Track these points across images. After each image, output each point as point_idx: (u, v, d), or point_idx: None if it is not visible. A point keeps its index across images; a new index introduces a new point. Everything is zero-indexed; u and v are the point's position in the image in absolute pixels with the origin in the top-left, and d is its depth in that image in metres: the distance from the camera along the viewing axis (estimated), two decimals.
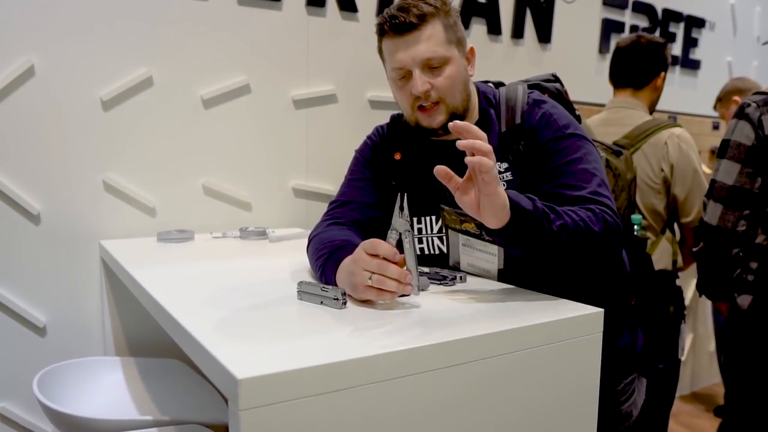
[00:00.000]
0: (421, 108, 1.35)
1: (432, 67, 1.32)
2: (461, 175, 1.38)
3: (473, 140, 1.01)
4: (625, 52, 2.25)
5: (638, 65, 2.22)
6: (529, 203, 1.10)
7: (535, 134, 1.34)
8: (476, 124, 1.40)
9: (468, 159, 1.00)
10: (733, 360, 1.93)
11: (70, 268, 1.89)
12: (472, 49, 1.42)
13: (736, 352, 1.91)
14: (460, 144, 1.01)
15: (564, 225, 1.13)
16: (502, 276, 1.32)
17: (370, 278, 1.07)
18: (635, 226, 1.80)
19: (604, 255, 1.23)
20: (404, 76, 1.34)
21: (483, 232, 1.20)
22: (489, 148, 1.02)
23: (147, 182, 1.98)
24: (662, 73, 2.24)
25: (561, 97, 1.49)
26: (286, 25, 2.17)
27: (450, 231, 1.34)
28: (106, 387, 1.70)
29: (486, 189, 1.03)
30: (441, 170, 1.05)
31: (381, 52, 1.42)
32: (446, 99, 1.34)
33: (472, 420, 0.97)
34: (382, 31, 1.36)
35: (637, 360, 1.58)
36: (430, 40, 1.31)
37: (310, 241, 1.39)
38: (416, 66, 1.31)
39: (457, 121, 1.04)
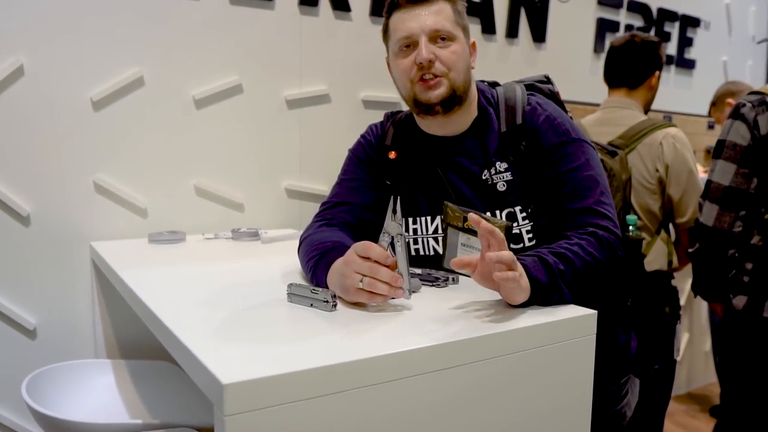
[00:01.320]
0: (422, 80, 1.33)
1: (440, 38, 1.32)
2: (451, 169, 1.38)
3: (499, 254, 1.01)
4: (620, 52, 2.24)
5: (632, 65, 2.21)
6: (545, 273, 1.11)
7: (538, 137, 1.34)
8: (475, 121, 1.40)
9: (498, 275, 1.01)
10: (728, 361, 1.92)
11: (61, 270, 1.87)
12: (474, 43, 1.42)
13: (731, 353, 1.90)
14: (489, 259, 1.01)
15: (577, 273, 1.15)
16: None
17: (361, 281, 1.06)
18: (630, 227, 1.79)
19: (608, 275, 1.24)
20: (410, 45, 1.34)
21: None
22: (513, 258, 1.04)
23: (138, 183, 1.97)
24: (657, 73, 2.23)
25: (554, 98, 1.48)
26: (278, 25, 2.16)
27: (450, 230, 1.33)
28: (96, 390, 1.69)
29: (510, 288, 1.06)
30: (458, 262, 1.07)
31: (386, 30, 1.40)
32: (449, 74, 1.33)
33: (465, 423, 0.96)
34: (393, 5, 1.36)
35: (631, 361, 1.57)
36: (439, 14, 1.33)
37: (301, 242, 1.37)
38: (424, 35, 1.32)
39: (476, 218, 1.04)
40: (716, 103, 3.16)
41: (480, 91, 1.43)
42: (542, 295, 1.11)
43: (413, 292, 1.14)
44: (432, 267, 1.37)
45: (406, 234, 1.42)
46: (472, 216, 1.04)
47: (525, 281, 1.07)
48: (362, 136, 1.54)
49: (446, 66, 1.32)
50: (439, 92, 1.33)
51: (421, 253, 1.42)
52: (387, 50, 1.42)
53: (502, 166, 1.35)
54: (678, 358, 2.26)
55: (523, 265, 1.09)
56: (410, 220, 1.43)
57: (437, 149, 1.41)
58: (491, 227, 1.03)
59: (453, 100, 1.34)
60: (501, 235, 1.04)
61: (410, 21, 1.32)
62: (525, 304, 1.11)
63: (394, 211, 1.10)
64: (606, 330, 1.17)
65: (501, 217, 1.34)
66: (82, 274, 1.90)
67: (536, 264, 1.11)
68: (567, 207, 1.28)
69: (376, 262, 1.06)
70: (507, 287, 1.05)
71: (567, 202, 1.28)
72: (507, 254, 1.02)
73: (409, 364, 0.89)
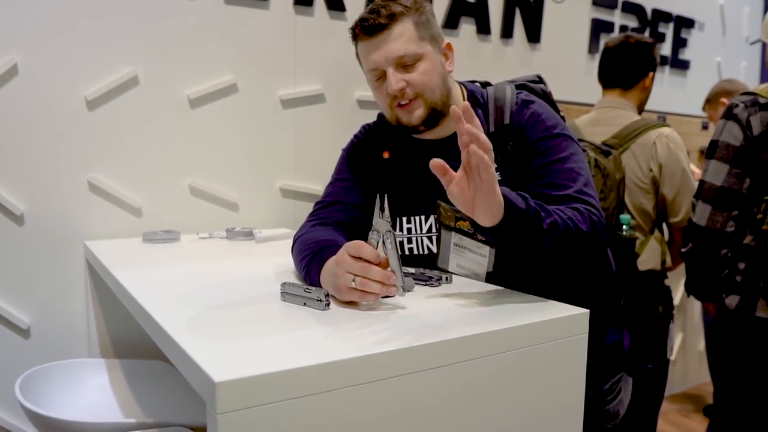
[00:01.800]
0: (399, 105, 1.35)
1: (405, 65, 1.33)
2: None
3: (477, 132, 0.97)
4: (614, 52, 2.25)
5: (627, 65, 2.22)
6: (522, 201, 1.09)
7: (523, 133, 1.34)
8: None
9: (473, 149, 0.96)
10: (721, 360, 1.93)
11: (55, 269, 1.87)
12: (449, 44, 1.41)
13: (724, 353, 1.91)
14: (462, 129, 0.97)
15: (554, 223, 1.13)
16: (490, 278, 1.31)
17: (353, 280, 1.06)
18: (624, 226, 1.80)
19: (589, 253, 1.23)
20: (380, 77, 1.35)
21: (476, 231, 1.20)
22: (490, 145, 0.99)
23: (132, 182, 1.97)
24: (651, 73, 2.24)
25: (546, 97, 1.49)
26: (273, 25, 2.16)
27: (443, 230, 1.33)
28: (90, 389, 1.68)
29: (482, 187, 1.00)
30: (437, 163, 1.01)
31: (358, 55, 1.42)
32: (423, 94, 1.34)
33: (457, 422, 0.96)
34: (355, 35, 1.38)
35: (623, 359, 1.58)
36: (400, 38, 1.32)
37: (294, 241, 1.38)
38: (389, 65, 1.32)
39: (455, 108, 1.00)
40: (711, 100, 3.17)
41: (470, 92, 1.44)
42: (515, 222, 1.07)
43: (407, 290, 1.14)
44: (426, 266, 1.37)
45: (398, 236, 1.42)
46: (453, 109, 1.00)
47: (499, 196, 1.03)
48: (355, 136, 1.54)
49: (419, 88, 1.33)
50: (418, 113, 1.35)
51: (416, 252, 1.43)
52: (364, 72, 1.43)
53: None
54: (671, 358, 2.27)
55: (501, 192, 1.06)
56: (404, 219, 1.43)
57: (425, 152, 1.41)
58: (469, 108, 1.00)
59: (434, 117, 1.37)
60: (480, 126, 1.00)
61: (373, 53, 1.33)
62: (496, 236, 1.08)
63: (382, 209, 1.10)
64: (598, 329, 1.17)
65: None
66: (76, 273, 1.89)
67: (512, 192, 1.09)
68: (548, 196, 1.26)
69: (368, 261, 1.06)
70: (483, 184, 0.99)
71: (549, 192, 1.27)
72: (485, 139, 0.98)
73: (402, 363, 0.89)
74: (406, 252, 1.43)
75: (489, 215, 1.04)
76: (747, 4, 3.97)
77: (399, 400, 0.89)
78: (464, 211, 1.06)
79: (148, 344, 1.88)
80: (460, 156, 1.35)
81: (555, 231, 1.13)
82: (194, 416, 1.52)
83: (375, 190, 1.44)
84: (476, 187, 1.01)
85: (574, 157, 1.32)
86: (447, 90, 1.38)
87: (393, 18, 1.31)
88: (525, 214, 1.08)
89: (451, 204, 1.24)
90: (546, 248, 1.13)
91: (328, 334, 0.96)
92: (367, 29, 1.33)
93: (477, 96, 1.43)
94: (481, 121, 1.38)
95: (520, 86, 1.47)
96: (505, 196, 1.05)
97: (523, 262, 1.19)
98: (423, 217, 1.42)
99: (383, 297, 1.09)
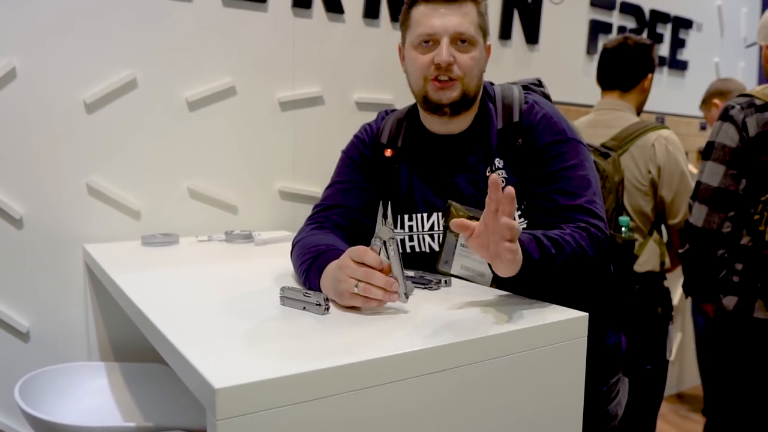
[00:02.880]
0: (436, 80, 1.33)
1: (461, 41, 1.32)
2: (455, 167, 1.38)
3: (513, 222, 0.99)
4: (613, 54, 2.25)
5: (625, 67, 2.22)
6: (538, 250, 1.11)
7: (534, 134, 1.34)
8: (476, 118, 1.40)
9: (506, 246, 0.98)
10: (719, 361, 1.93)
11: (54, 272, 1.87)
12: (489, 47, 1.42)
13: (722, 353, 1.91)
14: (505, 224, 0.98)
15: (566, 259, 1.16)
16: (495, 279, 1.31)
17: (356, 286, 1.06)
18: (623, 228, 1.80)
19: (590, 271, 1.25)
20: (430, 42, 1.33)
21: (493, 282, 1.22)
22: (519, 229, 1.01)
23: (131, 185, 1.97)
24: (649, 75, 2.24)
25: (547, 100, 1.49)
26: (271, 27, 2.16)
27: (449, 231, 1.33)
28: (90, 393, 1.68)
29: (507, 259, 1.01)
30: (458, 223, 1.02)
31: (406, 20, 1.39)
32: (464, 78, 1.33)
33: (457, 426, 0.96)
34: None
35: (621, 360, 1.58)
36: (465, 17, 1.32)
37: (293, 245, 1.37)
38: (447, 35, 1.31)
39: (497, 180, 1.00)
40: (705, 101, 3.17)
41: (483, 86, 1.44)
42: (531, 273, 1.10)
43: (408, 296, 1.14)
44: (427, 264, 1.37)
45: (399, 233, 1.42)
46: (493, 176, 1.00)
47: (520, 255, 1.06)
48: (355, 136, 1.53)
49: (463, 71, 1.32)
50: (451, 95, 1.33)
51: (417, 250, 1.42)
52: (402, 38, 1.41)
53: (499, 162, 1.36)
54: (670, 359, 2.27)
55: (520, 241, 1.07)
56: (406, 216, 1.43)
57: (441, 147, 1.42)
58: (512, 193, 0.99)
59: (463, 104, 1.35)
60: (514, 204, 1.00)
61: (435, 18, 1.31)
62: (510, 280, 1.10)
63: (385, 216, 1.10)
64: (596, 330, 1.17)
65: None
66: (75, 276, 1.89)
67: (531, 241, 1.11)
68: (559, 204, 1.28)
69: (371, 267, 1.06)
70: (506, 258, 1.02)
71: (560, 199, 1.29)
72: (516, 223, 1.00)
73: (403, 368, 0.89)
74: (407, 250, 1.43)
75: (508, 272, 1.06)
76: (745, 4, 3.97)
77: (400, 404, 0.89)
78: (485, 259, 1.07)
79: (148, 347, 1.87)
80: (472, 160, 1.37)
81: (566, 265, 1.16)
82: (194, 419, 1.52)
83: (375, 191, 1.45)
84: (500, 254, 1.01)
85: (585, 163, 1.33)
86: (480, 84, 1.39)
87: None
88: (541, 264, 1.11)
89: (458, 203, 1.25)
90: (557, 281, 1.16)
91: (328, 339, 0.96)
92: None
93: (489, 91, 1.44)
94: (492, 116, 1.39)
95: (524, 88, 1.48)
96: (524, 250, 1.07)
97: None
98: (425, 215, 1.41)
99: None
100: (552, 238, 1.16)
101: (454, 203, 1.26)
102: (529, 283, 1.14)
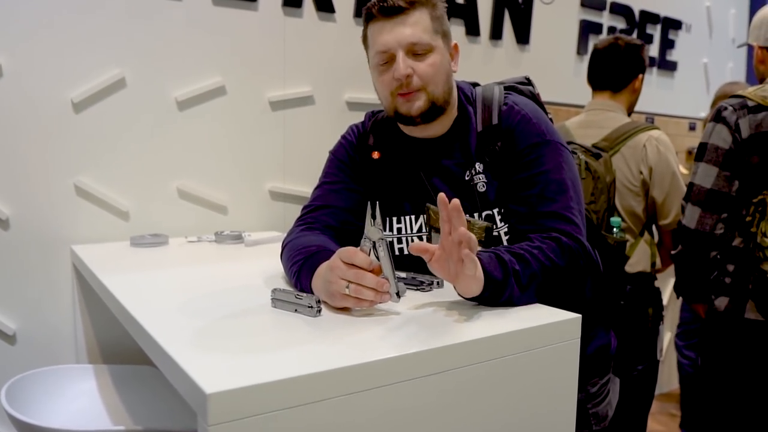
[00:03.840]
0: (401, 94, 1.32)
1: (416, 53, 1.30)
2: (433, 170, 1.38)
3: (470, 233, 1.01)
4: (603, 55, 2.25)
5: (616, 68, 2.22)
6: (500, 270, 1.11)
7: (513, 136, 1.33)
8: (455, 121, 1.39)
9: (466, 253, 1.00)
10: (710, 361, 1.93)
11: (41, 273, 1.85)
12: (456, 45, 1.40)
13: (713, 354, 1.91)
14: (462, 235, 1.00)
15: (533, 275, 1.15)
16: None
17: (347, 287, 1.05)
18: (614, 229, 1.80)
19: (569, 282, 1.24)
20: (387, 61, 1.32)
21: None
22: (476, 241, 1.03)
23: (120, 186, 1.95)
24: (640, 76, 2.24)
25: (535, 99, 1.48)
26: (262, 26, 2.14)
27: (433, 233, 1.33)
28: (78, 396, 1.66)
29: (465, 273, 1.04)
30: (415, 247, 1.05)
31: (365, 39, 1.38)
32: (428, 87, 1.31)
33: (450, 429, 0.96)
34: (369, 16, 1.34)
35: (612, 361, 1.58)
36: (416, 26, 1.30)
37: (283, 247, 1.36)
38: (400, 49, 1.29)
39: (445, 198, 1.02)
40: (714, 104, 3.16)
41: (460, 89, 1.43)
42: (494, 292, 1.10)
43: (400, 295, 1.13)
44: (416, 266, 1.36)
45: (388, 236, 1.41)
46: (441, 195, 1.02)
47: (480, 273, 1.07)
48: (343, 137, 1.53)
49: (424, 80, 1.31)
50: (418, 105, 1.32)
51: (405, 252, 1.42)
52: (367, 59, 1.41)
53: (480, 166, 1.35)
54: (661, 358, 2.28)
55: (479, 260, 1.08)
56: (394, 219, 1.42)
57: (419, 151, 1.41)
58: (459, 206, 1.01)
59: (433, 112, 1.34)
60: (464, 218, 1.03)
61: (386, 34, 1.30)
62: (476, 300, 1.12)
63: (374, 216, 1.09)
64: (586, 331, 1.17)
65: (481, 220, 1.34)
66: (63, 277, 1.87)
67: (491, 260, 1.11)
68: (534, 209, 1.27)
69: (361, 268, 1.05)
70: (466, 274, 1.03)
71: (535, 204, 1.27)
72: (473, 236, 1.01)
73: (396, 371, 0.88)
74: (396, 252, 1.42)
75: (470, 290, 1.09)
76: (733, 5, 3.99)
77: (393, 408, 0.88)
78: (447, 280, 1.09)
79: (137, 349, 1.85)
80: (450, 164, 1.36)
81: (534, 281, 1.15)
82: (184, 422, 1.51)
83: (364, 192, 1.44)
84: (459, 273, 1.05)
85: (563, 165, 1.31)
86: (449, 88, 1.37)
87: (412, 5, 1.30)
88: (504, 283, 1.11)
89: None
90: (526, 298, 1.15)
91: (320, 341, 0.95)
92: (384, 10, 1.30)
93: (467, 94, 1.43)
94: (471, 120, 1.39)
95: (509, 88, 1.46)
96: (484, 269, 1.08)
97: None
98: (413, 217, 1.41)
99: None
100: (516, 254, 1.16)
101: (432, 206, 1.25)
102: (496, 303, 1.14)
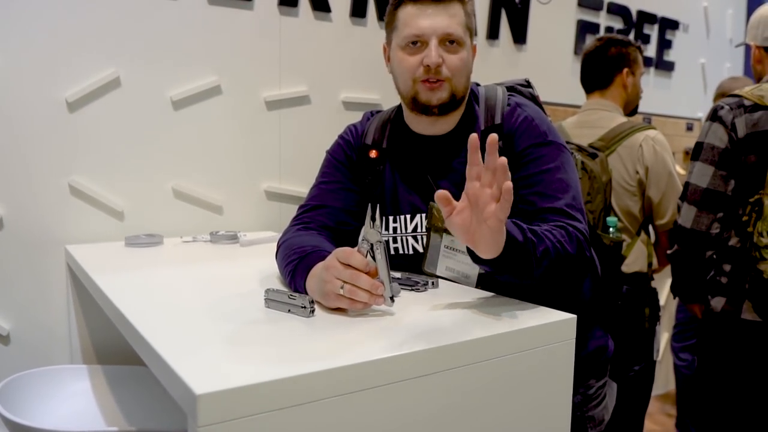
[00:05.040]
0: (425, 81, 1.32)
1: (449, 42, 1.31)
2: (439, 169, 1.37)
3: (504, 160, 0.95)
4: (588, 56, 2.31)
5: (598, 66, 2.26)
6: (519, 232, 1.08)
7: (515, 137, 1.33)
8: (462, 119, 1.39)
9: (507, 185, 0.94)
10: (707, 361, 1.93)
11: (35, 274, 1.84)
12: (475, 47, 1.41)
13: (710, 354, 1.91)
14: (479, 160, 0.96)
15: (546, 251, 1.12)
16: (481, 280, 1.30)
17: (342, 287, 1.05)
18: (611, 229, 1.79)
19: (573, 272, 1.23)
20: (418, 43, 1.31)
21: (473, 260, 1.20)
22: (511, 184, 0.96)
23: (115, 185, 1.94)
24: (625, 70, 2.24)
25: (534, 101, 1.48)
26: (257, 25, 2.14)
27: (432, 232, 1.32)
28: (72, 396, 1.66)
29: (494, 225, 0.98)
30: (442, 195, 0.99)
31: (392, 21, 1.36)
32: (453, 79, 1.32)
33: (444, 430, 0.95)
34: None
35: (609, 364, 1.57)
36: (453, 18, 1.31)
37: (279, 246, 1.36)
38: (436, 36, 1.29)
39: (479, 137, 0.99)
40: (716, 99, 3.15)
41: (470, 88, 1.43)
42: (513, 255, 1.05)
43: (394, 299, 1.13)
44: (411, 266, 1.36)
45: (386, 237, 1.41)
46: (492, 136, 0.97)
47: (503, 234, 1.01)
48: (340, 137, 1.52)
49: (452, 72, 1.31)
50: (440, 96, 1.32)
51: (400, 252, 1.42)
52: (388, 38, 1.39)
53: None
54: (658, 359, 2.27)
55: None
56: (390, 218, 1.42)
57: (426, 149, 1.40)
58: (495, 139, 0.96)
59: (451, 104, 1.34)
60: (505, 164, 0.97)
61: (423, 19, 1.30)
62: (491, 265, 1.06)
63: (373, 219, 1.08)
64: (583, 332, 1.16)
65: None
66: (57, 278, 1.86)
67: (512, 225, 1.08)
68: (537, 206, 1.27)
69: (357, 269, 1.05)
70: (498, 220, 0.97)
71: (538, 202, 1.27)
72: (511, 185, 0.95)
73: (390, 372, 0.88)
74: (391, 251, 1.42)
75: (492, 249, 1.02)
76: (730, 5, 3.99)
77: (386, 409, 0.88)
78: (463, 241, 1.03)
79: (131, 349, 1.84)
80: (455, 162, 1.35)
81: (546, 258, 1.13)
82: (178, 423, 1.50)
83: (360, 192, 1.43)
84: (487, 220, 0.98)
85: (565, 166, 1.31)
86: (468, 85, 1.38)
87: None
88: (523, 247, 1.07)
89: None
90: (536, 274, 1.12)
91: (313, 342, 0.95)
92: None
93: (475, 92, 1.43)
94: (477, 118, 1.38)
95: (509, 89, 1.46)
96: (507, 230, 1.03)
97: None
98: (408, 217, 1.40)
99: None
100: (531, 229, 1.14)
101: (435, 205, 1.25)
102: (514, 280, 1.11)
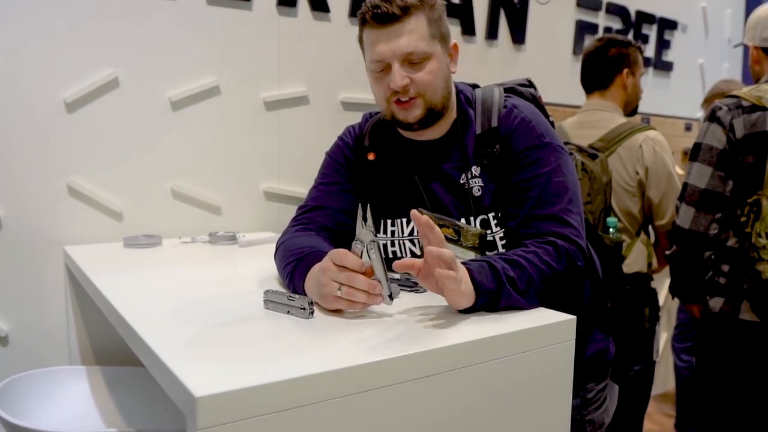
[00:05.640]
0: (398, 102, 1.31)
1: (413, 62, 1.27)
2: (430, 174, 1.37)
3: (440, 250, 1.01)
4: (587, 57, 2.31)
5: (598, 67, 2.26)
6: (491, 280, 1.09)
7: (511, 140, 1.32)
8: (455, 123, 1.38)
9: (438, 272, 0.99)
10: (706, 362, 1.93)
11: (34, 274, 1.84)
12: (455, 45, 1.37)
13: (709, 355, 1.91)
14: (429, 253, 1.01)
15: (530, 279, 1.13)
16: None
17: (339, 289, 1.05)
18: (611, 229, 1.79)
19: (569, 286, 1.22)
20: (383, 69, 1.30)
21: (461, 239, 1.19)
22: (452, 256, 1.02)
23: (113, 186, 1.93)
24: (625, 70, 2.24)
25: (536, 102, 1.47)
26: (256, 26, 2.13)
27: None
28: (70, 397, 1.65)
29: (450, 290, 1.04)
30: (401, 264, 1.04)
31: (361, 41, 1.36)
32: (425, 95, 1.30)
33: (445, 431, 0.95)
34: (363, 20, 1.30)
35: (609, 367, 1.57)
36: (412, 34, 1.26)
37: (277, 247, 1.35)
38: (396, 60, 1.26)
39: (418, 215, 1.03)
40: (708, 100, 3.16)
41: (460, 91, 1.41)
42: (489, 301, 1.09)
43: (393, 297, 1.13)
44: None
45: (380, 238, 1.40)
46: (414, 212, 1.03)
47: (466, 286, 1.05)
48: (340, 138, 1.52)
49: (422, 88, 1.29)
50: (415, 113, 1.31)
51: (399, 255, 1.41)
52: (364, 58, 1.39)
53: (476, 170, 1.34)
54: (657, 359, 2.27)
55: (469, 271, 1.07)
56: (388, 222, 1.41)
57: (416, 154, 1.40)
58: (430, 222, 1.02)
59: (431, 118, 1.33)
60: (440, 233, 1.03)
61: (381, 43, 1.27)
62: (471, 310, 1.09)
63: (365, 219, 1.08)
64: (584, 334, 1.16)
65: (475, 225, 1.32)
66: (55, 279, 1.86)
67: (482, 269, 1.09)
68: (532, 212, 1.26)
69: (352, 270, 1.05)
70: (448, 289, 1.03)
71: (533, 207, 1.26)
72: (447, 252, 1.01)
73: (389, 373, 0.88)
74: (390, 255, 1.41)
75: (461, 304, 1.08)
76: (729, 6, 3.99)
77: (386, 410, 0.88)
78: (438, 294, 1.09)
79: (129, 351, 1.84)
80: (447, 167, 1.35)
81: (532, 287, 1.13)
82: (177, 424, 1.50)
83: (359, 194, 1.43)
84: (444, 290, 1.05)
85: (563, 169, 1.29)
86: (448, 92, 1.35)
87: (407, 11, 1.25)
88: (496, 291, 1.10)
89: (434, 210, 1.23)
90: (528, 301, 1.14)
91: (312, 344, 0.95)
92: (378, 17, 1.26)
93: (468, 96, 1.41)
94: (471, 122, 1.37)
95: (509, 90, 1.45)
96: (474, 281, 1.07)
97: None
98: (405, 220, 1.40)
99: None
100: (510, 260, 1.14)
101: (424, 211, 1.24)
102: (494, 310, 1.12)
